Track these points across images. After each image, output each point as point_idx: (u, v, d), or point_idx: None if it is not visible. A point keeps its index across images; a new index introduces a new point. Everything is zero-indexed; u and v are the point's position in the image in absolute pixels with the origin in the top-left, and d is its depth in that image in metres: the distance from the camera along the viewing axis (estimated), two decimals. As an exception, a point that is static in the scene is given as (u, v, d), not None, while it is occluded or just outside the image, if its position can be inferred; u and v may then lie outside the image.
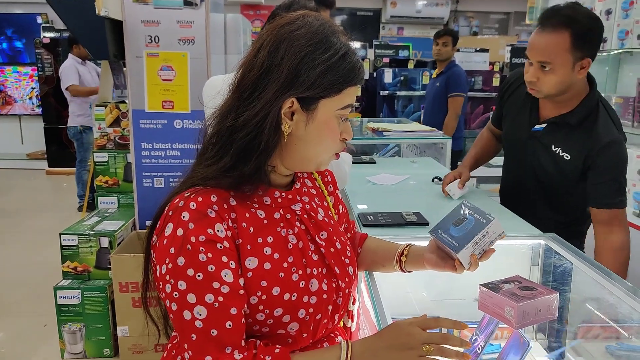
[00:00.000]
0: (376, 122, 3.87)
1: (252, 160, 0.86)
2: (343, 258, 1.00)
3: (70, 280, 2.51)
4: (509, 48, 5.86)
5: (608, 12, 3.07)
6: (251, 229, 0.88)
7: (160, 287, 0.85)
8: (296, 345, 0.93)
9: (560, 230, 1.56)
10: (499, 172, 2.04)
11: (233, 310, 0.82)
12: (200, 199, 0.85)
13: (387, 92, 6.00)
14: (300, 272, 0.91)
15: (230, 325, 0.82)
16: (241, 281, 0.85)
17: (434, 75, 4.43)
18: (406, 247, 1.13)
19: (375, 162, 2.74)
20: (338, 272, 0.97)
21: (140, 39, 2.37)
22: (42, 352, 2.68)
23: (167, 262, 0.83)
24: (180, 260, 0.81)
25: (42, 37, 6.76)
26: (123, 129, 2.80)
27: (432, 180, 2.21)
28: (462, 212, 1.06)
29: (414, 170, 2.54)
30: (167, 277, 0.83)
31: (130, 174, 2.67)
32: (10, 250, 4.19)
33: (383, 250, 1.17)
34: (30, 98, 7.33)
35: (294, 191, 0.98)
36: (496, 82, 5.54)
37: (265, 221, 0.91)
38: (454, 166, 2.87)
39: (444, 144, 3.19)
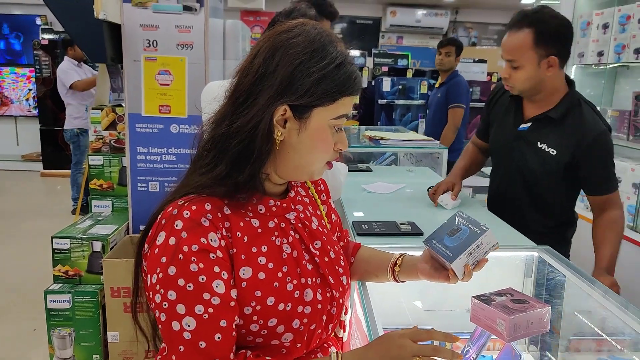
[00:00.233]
0: (374, 130, 3.88)
1: (247, 168, 0.86)
2: (337, 267, 1.00)
3: (61, 285, 2.48)
4: (507, 59, 5.87)
5: (605, 26, 3.09)
6: (245, 238, 0.87)
7: (151, 296, 0.84)
8: (290, 356, 0.92)
9: (546, 237, 1.59)
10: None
11: (223, 323, 0.81)
12: (194, 207, 0.84)
13: (385, 100, 6.02)
14: (294, 281, 0.91)
15: (219, 338, 0.81)
16: (234, 292, 0.84)
17: (436, 85, 4.41)
18: (399, 257, 1.12)
19: (371, 171, 2.74)
20: (332, 281, 0.97)
21: (139, 43, 2.36)
22: (31, 357, 2.65)
23: (157, 271, 0.82)
24: (171, 270, 0.80)
25: (40, 38, 6.76)
26: (119, 133, 2.79)
27: (428, 190, 2.20)
28: (456, 223, 1.06)
29: (410, 180, 2.54)
30: (157, 287, 0.82)
31: (125, 177, 2.65)
32: (2, 253, 4.16)
33: (376, 259, 1.16)
34: (27, 99, 7.32)
35: (288, 200, 0.97)
36: (494, 92, 5.54)
37: (259, 230, 0.90)
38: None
39: (440, 154, 3.20)
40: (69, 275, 2.50)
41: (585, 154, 1.68)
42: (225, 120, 0.87)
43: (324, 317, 0.95)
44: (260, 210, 0.92)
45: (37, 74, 6.70)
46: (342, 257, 1.04)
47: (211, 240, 0.83)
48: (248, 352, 0.86)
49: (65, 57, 4.99)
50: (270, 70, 0.85)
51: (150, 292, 0.84)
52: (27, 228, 4.75)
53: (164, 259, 0.81)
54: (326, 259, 0.98)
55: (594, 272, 1.62)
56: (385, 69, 6.38)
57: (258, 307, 0.86)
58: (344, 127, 0.94)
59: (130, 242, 2.59)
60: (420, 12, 8.96)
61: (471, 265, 1.01)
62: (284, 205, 0.96)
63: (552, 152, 1.73)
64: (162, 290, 0.81)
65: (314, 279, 0.94)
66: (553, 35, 1.65)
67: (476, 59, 6.07)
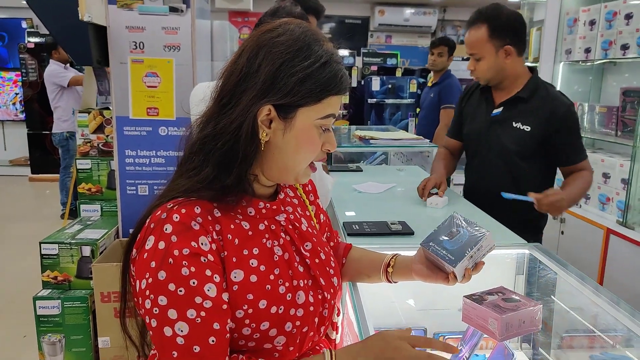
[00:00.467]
0: (364, 130, 3.87)
1: (234, 170, 0.84)
2: (328, 269, 0.99)
3: (50, 290, 2.45)
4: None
5: (592, 23, 3.11)
6: (236, 240, 0.86)
7: (140, 302, 0.82)
8: (282, 359, 0.91)
9: (521, 226, 1.67)
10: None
11: (216, 326, 0.80)
12: (183, 210, 0.82)
13: (374, 100, 6.02)
14: (286, 284, 0.90)
15: (213, 341, 0.80)
16: (225, 295, 0.83)
17: (429, 84, 4.41)
18: (392, 257, 1.12)
19: (361, 171, 2.73)
20: (323, 283, 0.96)
21: (125, 45, 2.34)
22: (21, 364, 2.62)
23: (147, 276, 0.80)
24: (162, 275, 0.79)
25: (26, 42, 6.68)
26: (107, 136, 2.76)
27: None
28: (454, 225, 1.05)
29: (400, 179, 2.54)
30: (147, 293, 0.80)
31: (113, 181, 2.63)
32: (-9, 259, 4.10)
33: (368, 260, 1.16)
34: (14, 104, 7.23)
35: (278, 202, 0.96)
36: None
37: (250, 233, 0.89)
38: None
39: (430, 152, 3.20)
40: (58, 280, 2.47)
41: (558, 125, 1.84)
42: (211, 122, 0.86)
43: (316, 319, 0.94)
44: (250, 212, 0.91)
45: (24, 78, 6.62)
46: (332, 258, 1.03)
47: (202, 243, 0.81)
48: (240, 356, 0.85)
49: (51, 61, 4.94)
50: (254, 70, 0.84)
51: (140, 298, 0.82)
52: (15, 233, 4.70)
53: (153, 264, 0.79)
54: (317, 260, 0.97)
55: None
56: (374, 68, 6.38)
57: (250, 311, 0.84)
58: (333, 127, 0.93)
59: (120, 246, 2.57)
60: (409, 11, 8.98)
61: (470, 268, 1.01)
62: (274, 207, 0.95)
63: (527, 128, 1.88)
64: (152, 296, 0.79)
65: (305, 281, 0.93)
66: (505, 28, 1.86)
67: (465, 57, 6.08)
